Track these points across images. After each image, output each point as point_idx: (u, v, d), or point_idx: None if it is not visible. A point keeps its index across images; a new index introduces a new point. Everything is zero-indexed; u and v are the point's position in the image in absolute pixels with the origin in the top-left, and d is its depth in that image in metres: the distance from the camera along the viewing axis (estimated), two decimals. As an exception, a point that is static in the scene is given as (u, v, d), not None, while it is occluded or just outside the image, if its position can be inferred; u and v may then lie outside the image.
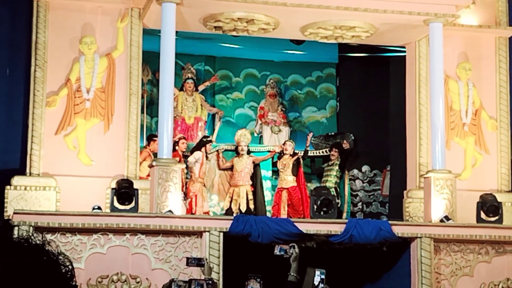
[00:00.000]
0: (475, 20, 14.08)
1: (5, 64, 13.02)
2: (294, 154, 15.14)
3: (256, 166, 15.07)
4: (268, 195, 15.50)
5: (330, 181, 15.12)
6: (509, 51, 14.13)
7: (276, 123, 16.15)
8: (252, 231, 11.80)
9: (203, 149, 14.61)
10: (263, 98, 16.39)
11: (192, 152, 14.66)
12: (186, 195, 14.32)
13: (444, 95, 13.09)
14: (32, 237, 3.76)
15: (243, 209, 14.58)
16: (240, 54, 16.27)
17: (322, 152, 15.76)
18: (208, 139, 14.83)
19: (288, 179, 14.95)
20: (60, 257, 3.74)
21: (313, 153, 15.71)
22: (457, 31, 13.88)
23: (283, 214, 14.69)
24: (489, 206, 12.64)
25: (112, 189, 12.07)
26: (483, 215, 12.64)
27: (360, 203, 15.96)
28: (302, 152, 15.18)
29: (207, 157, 15.10)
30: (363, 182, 16.05)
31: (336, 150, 15.32)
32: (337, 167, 15.25)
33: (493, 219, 12.59)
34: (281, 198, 14.93)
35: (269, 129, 16.12)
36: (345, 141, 15.61)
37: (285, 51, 16.19)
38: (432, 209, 12.57)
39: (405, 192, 13.70)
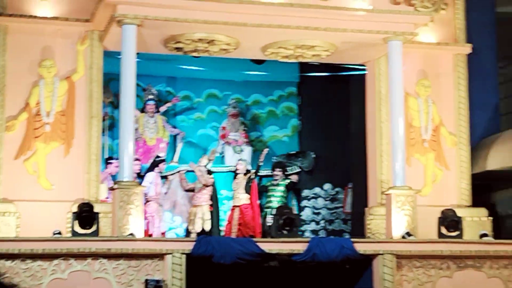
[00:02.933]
0: (433, 37, 14.24)
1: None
2: (247, 172, 15.19)
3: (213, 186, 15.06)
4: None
5: (274, 201, 15.11)
6: (468, 68, 14.30)
7: (238, 143, 16.17)
8: (215, 252, 11.79)
9: (156, 169, 14.57)
10: (225, 118, 16.40)
11: (145, 173, 14.63)
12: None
13: (404, 112, 13.19)
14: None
15: (198, 229, 14.58)
16: (202, 75, 16.27)
17: (269, 171, 15.83)
18: (160, 158, 14.77)
19: (240, 197, 14.99)
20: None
21: (261, 172, 15.74)
22: (416, 48, 14.02)
23: (234, 232, 14.70)
24: (449, 221, 12.76)
25: (73, 213, 11.99)
26: (444, 230, 12.75)
27: (322, 221, 16.01)
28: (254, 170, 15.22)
29: (166, 177, 15.08)
30: (325, 200, 16.11)
31: (280, 170, 15.37)
32: (282, 188, 15.27)
33: (454, 234, 12.71)
34: (233, 216, 14.97)
35: (231, 149, 16.13)
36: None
37: (247, 71, 16.23)
38: (394, 226, 12.65)
39: (366, 209, 13.77)
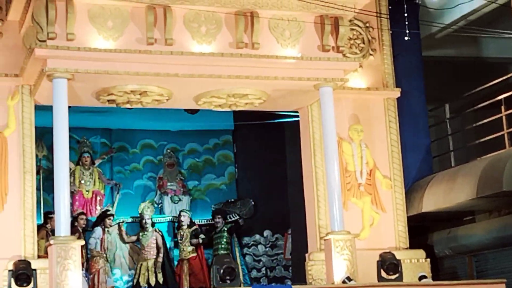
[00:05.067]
0: (363, 83, 14.44)
1: None
2: (192, 223, 15.19)
3: (162, 237, 15.00)
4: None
5: (221, 248, 15.12)
6: (398, 111, 14.52)
7: (176, 193, 16.13)
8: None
9: (102, 223, 14.48)
10: (161, 168, 16.37)
11: (93, 227, 14.52)
12: (89, 271, 14.13)
13: (338, 157, 13.28)
14: None
15: (153, 283, 14.48)
16: (136, 125, 16.26)
17: (208, 221, 15.83)
18: (109, 212, 14.70)
19: (187, 250, 15.01)
20: None
21: (199, 221, 15.74)
22: (347, 94, 14.18)
23: (185, 286, 14.65)
24: (388, 264, 12.82)
25: (9, 270, 11.79)
26: (383, 274, 12.80)
27: (263, 268, 16.00)
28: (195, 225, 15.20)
29: (108, 231, 14.96)
30: (266, 247, 16.12)
31: (219, 216, 15.40)
32: (225, 234, 15.30)
33: (393, 277, 12.76)
34: (182, 269, 14.93)
35: (169, 199, 16.08)
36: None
37: (181, 121, 16.25)
38: (334, 271, 12.66)
39: (307, 255, 13.78)
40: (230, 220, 15.69)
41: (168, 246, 15.28)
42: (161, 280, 14.50)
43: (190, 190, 16.48)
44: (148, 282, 14.58)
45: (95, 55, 12.26)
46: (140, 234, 14.97)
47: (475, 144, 15.31)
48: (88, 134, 16.06)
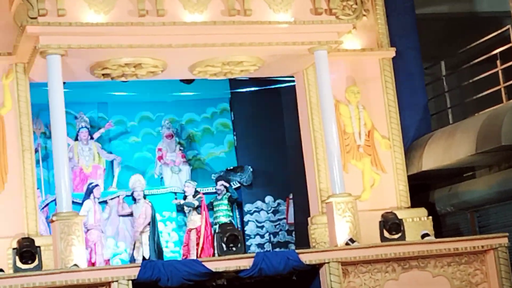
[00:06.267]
0: (358, 44, 14.37)
1: None
2: (196, 193, 15.22)
3: (151, 208, 15.02)
4: (175, 236, 15.47)
5: (221, 216, 15.18)
6: (394, 71, 14.47)
7: (175, 163, 16.15)
8: (161, 275, 11.72)
9: (91, 195, 14.50)
10: (160, 139, 16.37)
11: (83, 201, 14.54)
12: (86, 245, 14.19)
13: (336, 119, 13.28)
14: None
15: (147, 255, 14.54)
16: (133, 98, 16.24)
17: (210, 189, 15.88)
18: (93, 184, 14.70)
19: (195, 219, 15.06)
20: None
21: (201, 190, 15.77)
22: (342, 56, 14.12)
23: (193, 254, 14.73)
24: (391, 224, 12.86)
25: (13, 249, 11.83)
26: (386, 234, 12.85)
27: (267, 234, 16.06)
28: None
29: (106, 202, 15.02)
30: (268, 213, 16.16)
31: (222, 183, 15.44)
32: (226, 201, 15.35)
33: (396, 236, 12.81)
34: (190, 238, 15.00)
35: (169, 170, 16.10)
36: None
37: (177, 92, 16.22)
38: (337, 233, 12.71)
39: (309, 218, 13.82)
40: (233, 186, 15.75)
41: (169, 216, 15.33)
42: (147, 254, 14.51)
43: (189, 160, 16.50)
44: (143, 255, 14.63)
45: (87, 30, 12.22)
46: (133, 207, 15.03)
47: (472, 100, 15.30)
48: (85, 109, 16.04)
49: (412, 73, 14.96)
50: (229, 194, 15.47)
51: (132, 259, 14.58)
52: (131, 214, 15.08)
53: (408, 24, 15.03)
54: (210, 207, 15.46)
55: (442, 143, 14.11)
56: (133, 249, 14.77)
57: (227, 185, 15.55)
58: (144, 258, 14.36)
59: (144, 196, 15.04)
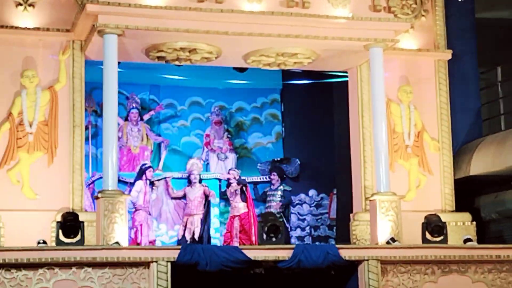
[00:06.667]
0: (414, 44, 14.29)
1: None
2: (241, 180, 15.27)
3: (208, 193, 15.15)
4: (216, 222, 15.54)
5: (273, 206, 15.21)
6: (449, 74, 14.36)
7: (222, 150, 16.21)
8: (200, 259, 11.79)
9: (143, 176, 14.60)
10: (209, 125, 16.46)
11: (134, 181, 14.65)
12: (132, 224, 14.32)
13: (386, 118, 13.26)
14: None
15: (197, 237, 14.65)
16: (185, 83, 16.33)
17: (264, 178, 15.90)
18: (147, 165, 14.79)
19: (239, 206, 15.15)
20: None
21: (253, 179, 15.81)
22: (397, 55, 14.07)
23: (235, 241, 14.78)
24: (433, 227, 12.78)
25: (57, 222, 11.97)
26: (428, 236, 12.78)
27: (308, 227, 16.06)
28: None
29: (152, 184, 15.11)
30: (310, 206, 16.17)
31: (275, 174, 15.45)
32: (280, 192, 15.36)
33: (438, 239, 12.74)
34: (233, 225, 15.08)
35: (215, 156, 16.18)
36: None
37: (229, 79, 16.27)
38: (378, 231, 12.69)
39: (351, 215, 13.80)
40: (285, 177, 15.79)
41: (212, 203, 15.41)
42: (197, 236, 14.62)
43: (236, 148, 16.56)
44: (193, 237, 14.72)
45: (146, 12, 12.30)
46: (187, 189, 15.10)
47: (526, 108, 15.14)
48: (137, 90, 16.17)
49: (467, 77, 14.83)
50: (284, 185, 15.47)
51: (183, 241, 14.67)
52: (183, 197, 15.21)
53: (467, 27, 14.90)
54: (264, 197, 15.50)
55: (493, 149, 13.97)
56: (184, 230, 14.88)
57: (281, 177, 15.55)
58: (194, 240, 14.49)
59: (200, 180, 15.16)
